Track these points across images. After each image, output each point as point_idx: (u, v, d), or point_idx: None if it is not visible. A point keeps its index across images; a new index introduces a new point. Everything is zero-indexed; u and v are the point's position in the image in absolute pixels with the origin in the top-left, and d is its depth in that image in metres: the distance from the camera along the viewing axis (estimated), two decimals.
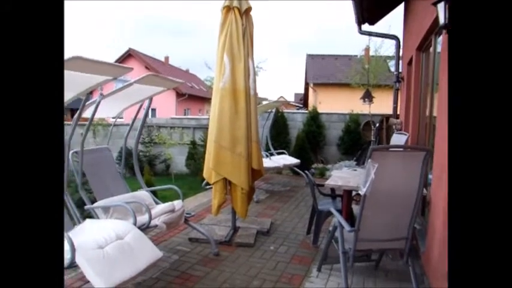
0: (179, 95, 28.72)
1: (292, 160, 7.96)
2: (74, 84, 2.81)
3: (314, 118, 10.22)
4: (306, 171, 4.52)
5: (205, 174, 4.19)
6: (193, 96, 31.29)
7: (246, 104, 3.98)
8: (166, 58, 37.35)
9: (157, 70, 27.35)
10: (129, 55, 29.48)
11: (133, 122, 4.27)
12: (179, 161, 10.29)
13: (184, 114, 29.71)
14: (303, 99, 29.26)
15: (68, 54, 2.33)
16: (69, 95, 3.03)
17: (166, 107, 26.36)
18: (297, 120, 10.48)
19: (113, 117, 4.34)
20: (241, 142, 3.94)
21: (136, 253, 2.68)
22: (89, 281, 3.13)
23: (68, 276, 3.32)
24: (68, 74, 2.44)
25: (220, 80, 3.95)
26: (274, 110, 8.57)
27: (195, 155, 9.49)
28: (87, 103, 3.24)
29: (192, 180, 8.71)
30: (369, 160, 2.44)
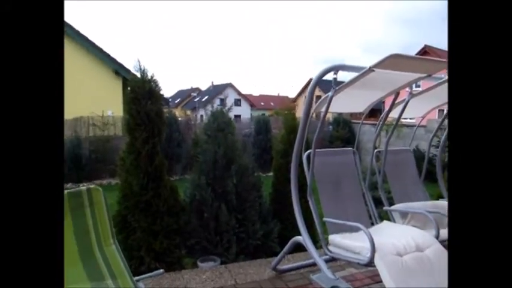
0: None
1: None
2: (386, 83, 2.78)
3: None
4: None
5: None
6: None
7: None
8: None
9: None
10: (424, 52, 28.07)
11: (442, 123, 3.92)
12: None
13: None
14: None
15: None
16: (379, 94, 3.04)
17: None
18: None
19: (411, 118, 4.12)
20: None
21: (436, 271, 2.39)
22: (379, 281, 3.14)
23: (359, 271, 3.41)
24: (382, 73, 2.41)
25: None
26: None
27: None
28: (396, 102, 3.17)
29: None
30: None
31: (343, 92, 2.64)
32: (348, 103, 3.28)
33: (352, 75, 2.49)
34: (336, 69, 2.48)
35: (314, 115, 3.00)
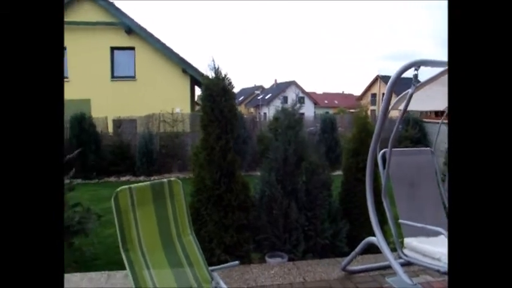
0: None
1: None
2: None
3: None
4: None
5: None
6: None
7: None
8: None
9: None
10: None
11: None
12: None
13: None
14: None
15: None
16: None
17: None
18: None
19: None
20: None
21: None
22: None
23: (436, 279, 3.23)
24: None
25: None
26: None
27: None
28: None
29: None
30: None
31: (423, 89, 2.52)
32: (428, 100, 3.13)
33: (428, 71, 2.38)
34: (417, 64, 2.36)
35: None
